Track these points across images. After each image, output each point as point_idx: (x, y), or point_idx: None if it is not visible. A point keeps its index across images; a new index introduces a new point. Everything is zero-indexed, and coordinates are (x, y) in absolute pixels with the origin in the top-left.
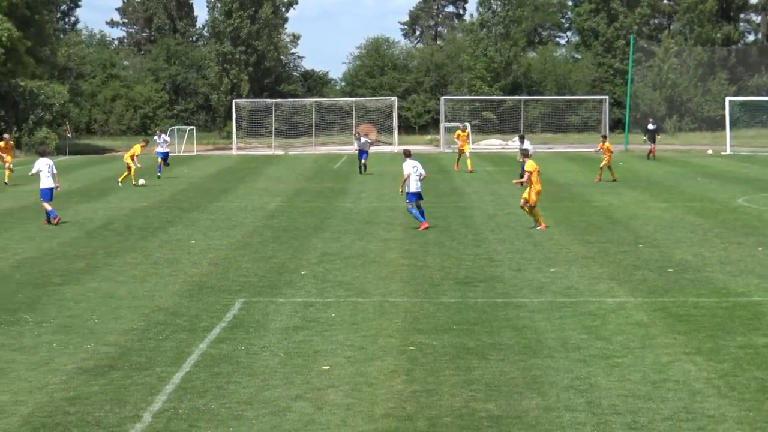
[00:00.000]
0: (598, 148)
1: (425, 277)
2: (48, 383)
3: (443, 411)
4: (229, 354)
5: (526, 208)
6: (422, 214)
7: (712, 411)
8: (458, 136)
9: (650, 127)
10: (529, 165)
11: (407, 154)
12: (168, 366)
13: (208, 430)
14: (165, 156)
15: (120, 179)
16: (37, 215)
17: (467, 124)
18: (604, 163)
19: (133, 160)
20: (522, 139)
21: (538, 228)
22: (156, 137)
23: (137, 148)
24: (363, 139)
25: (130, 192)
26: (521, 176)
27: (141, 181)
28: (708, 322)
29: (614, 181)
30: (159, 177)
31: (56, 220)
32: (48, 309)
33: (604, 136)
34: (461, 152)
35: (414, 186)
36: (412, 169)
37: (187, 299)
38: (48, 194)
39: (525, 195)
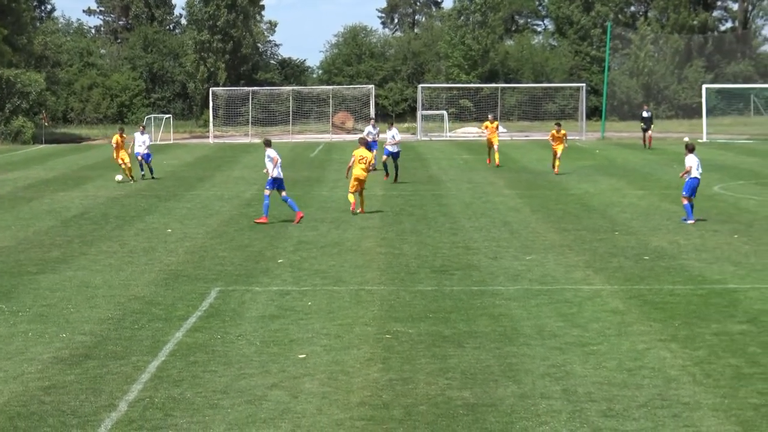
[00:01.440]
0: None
1: (402, 266)
2: (23, 372)
3: (419, 399)
4: (204, 343)
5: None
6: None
7: (687, 398)
8: (486, 127)
9: (645, 114)
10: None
11: (268, 144)
12: (144, 355)
13: (184, 419)
14: (147, 158)
15: (129, 176)
16: (13, 204)
17: (494, 115)
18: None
19: (126, 152)
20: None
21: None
22: (139, 133)
23: (117, 139)
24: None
25: (107, 180)
26: None
27: (118, 177)
28: (683, 309)
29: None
30: (139, 179)
31: None
32: (23, 298)
33: (558, 123)
34: (490, 145)
35: (276, 172)
36: (277, 154)
37: (163, 288)
38: None
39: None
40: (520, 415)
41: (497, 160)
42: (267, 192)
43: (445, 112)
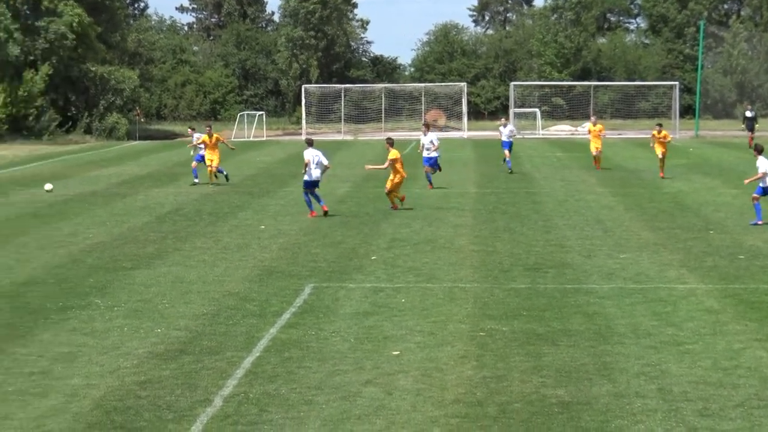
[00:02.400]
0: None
1: (495, 263)
2: (119, 367)
3: (513, 397)
4: (299, 339)
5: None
6: (318, 199)
7: None
8: (589, 131)
9: (748, 114)
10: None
11: (309, 143)
12: (238, 351)
13: (279, 415)
14: (202, 159)
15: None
16: (107, 200)
17: (596, 118)
18: (596, 149)
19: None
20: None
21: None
22: (194, 137)
23: (206, 139)
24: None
25: (201, 177)
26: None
27: (47, 186)
28: None
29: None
30: (195, 184)
31: None
32: (119, 293)
33: (659, 124)
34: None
35: (313, 174)
36: (312, 157)
37: (257, 284)
38: None
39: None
40: (615, 414)
41: (598, 165)
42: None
43: (537, 110)
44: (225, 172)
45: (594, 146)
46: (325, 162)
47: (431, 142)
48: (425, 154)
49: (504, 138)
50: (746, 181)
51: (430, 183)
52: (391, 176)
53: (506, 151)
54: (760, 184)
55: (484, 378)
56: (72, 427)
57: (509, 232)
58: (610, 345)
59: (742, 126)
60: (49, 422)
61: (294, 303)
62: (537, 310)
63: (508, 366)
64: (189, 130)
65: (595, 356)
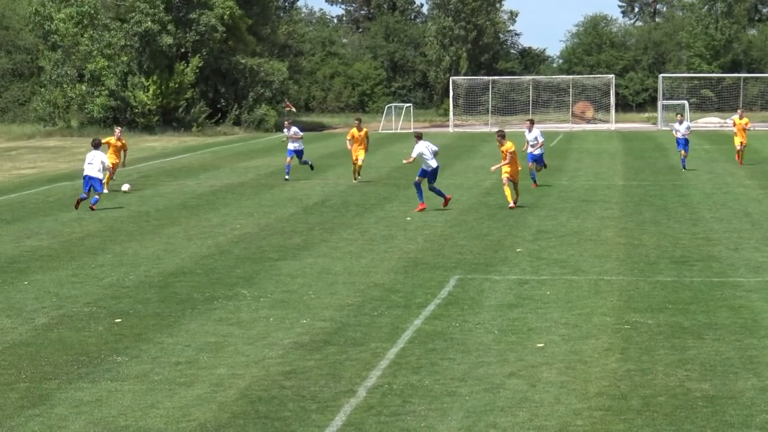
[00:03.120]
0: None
1: (641, 256)
2: (265, 357)
3: (657, 390)
4: (443, 330)
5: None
6: (440, 193)
7: None
8: (734, 123)
9: None
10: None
11: (418, 137)
12: (383, 342)
13: (422, 406)
14: (299, 153)
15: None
16: (255, 191)
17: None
18: (740, 143)
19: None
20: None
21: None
22: (285, 130)
23: (354, 132)
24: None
25: (347, 168)
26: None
27: (125, 187)
28: None
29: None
30: (287, 179)
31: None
32: (265, 284)
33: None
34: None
35: (431, 164)
36: (425, 148)
37: (403, 275)
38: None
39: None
40: (760, 408)
41: (740, 159)
42: (417, 180)
43: (686, 102)
44: (309, 162)
45: (738, 140)
46: (436, 147)
47: (536, 138)
48: (529, 150)
49: (679, 135)
50: None
51: (534, 181)
52: (508, 168)
53: (682, 151)
54: None
55: (628, 371)
56: (217, 416)
57: (656, 225)
58: (756, 339)
59: None
60: (195, 411)
61: (439, 294)
62: (682, 303)
63: (653, 359)
64: (285, 122)
65: (740, 350)
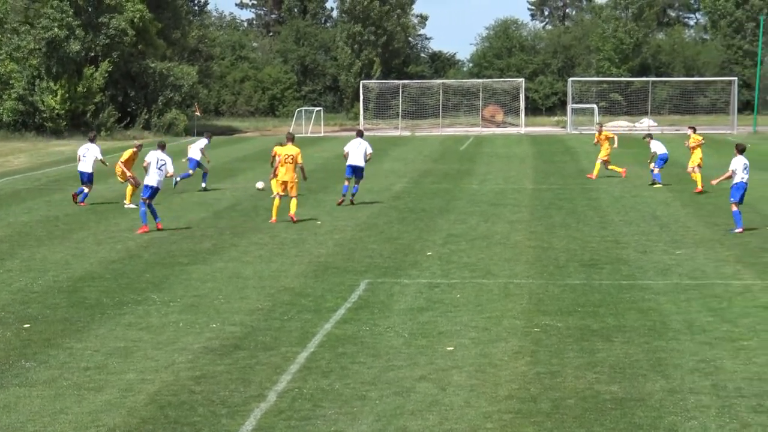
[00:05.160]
0: (596, 140)
1: (550, 259)
2: (174, 362)
3: (567, 393)
4: (353, 334)
5: None
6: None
7: None
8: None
9: None
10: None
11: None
12: (293, 346)
13: (332, 410)
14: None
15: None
16: (165, 196)
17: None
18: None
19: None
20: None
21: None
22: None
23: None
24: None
25: (258, 173)
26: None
27: (259, 185)
28: None
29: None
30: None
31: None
32: (175, 288)
33: (600, 124)
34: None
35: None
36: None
37: (313, 280)
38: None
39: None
40: (668, 410)
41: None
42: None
43: (595, 106)
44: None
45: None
46: (370, 150)
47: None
48: None
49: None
50: (717, 181)
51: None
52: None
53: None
54: (733, 186)
55: (537, 374)
56: (126, 421)
57: (565, 228)
58: (664, 341)
59: None
60: (104, 417)
61: (349, 298)
62: (592, 306)
63: (562, 362)
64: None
65: (649, 352)
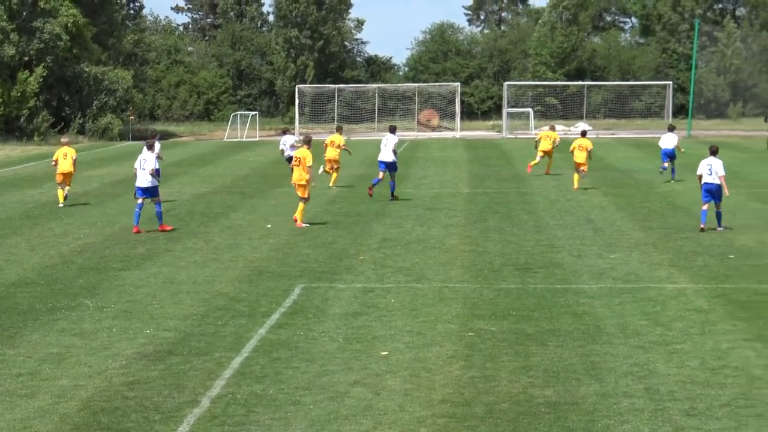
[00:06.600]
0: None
1: (485, 263)
2: (107, 368)
3: (501, 397)
4: (287, 339)
5: None
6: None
7: None
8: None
9: None
10: None
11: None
12: (227, 351)
13: (266, 416)
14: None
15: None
16: (99, 200)
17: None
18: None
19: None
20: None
21: None
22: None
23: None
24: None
25: (192, 177)
26: None
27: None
28: None
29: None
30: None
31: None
32: (108, 294)
33: (553, 127)
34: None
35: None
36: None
37: (247, 285)
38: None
39: None
40: (602, 414)
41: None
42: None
43: (530, 110)
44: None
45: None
46: (392, 144)
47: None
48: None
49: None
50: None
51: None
52: None
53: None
54: (703, 186)
55: (472, 378)
56: (59, 428)
57: (500, 232)
58: (598, 345)
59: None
60: (36, 423)
61: (283, 303)
62: (526, 310)
63: (497, 366)
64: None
65: (583, 356)
